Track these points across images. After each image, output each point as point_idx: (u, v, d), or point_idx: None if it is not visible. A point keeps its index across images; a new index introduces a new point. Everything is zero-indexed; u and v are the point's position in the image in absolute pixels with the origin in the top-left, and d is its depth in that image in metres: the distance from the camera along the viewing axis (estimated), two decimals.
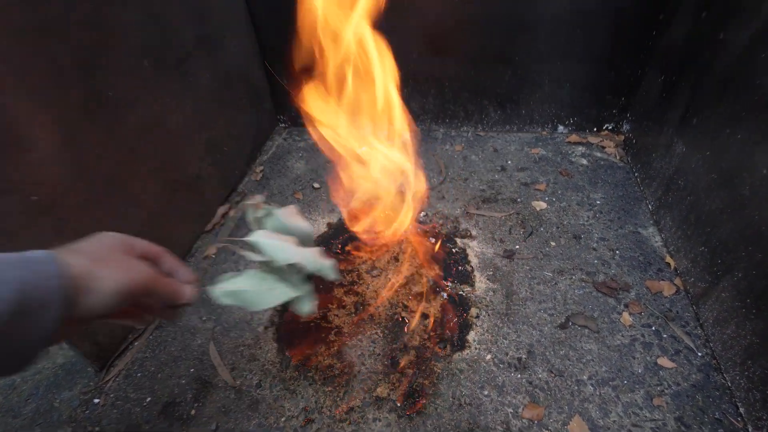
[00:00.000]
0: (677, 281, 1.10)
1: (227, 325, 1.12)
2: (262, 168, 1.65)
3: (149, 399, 0.98)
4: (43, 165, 0.85)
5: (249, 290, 0.81)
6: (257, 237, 0.83)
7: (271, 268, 0.83)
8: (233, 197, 1.53)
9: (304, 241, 0.89)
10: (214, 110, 1.40)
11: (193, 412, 0.95)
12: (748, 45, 0.90)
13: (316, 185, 1.54)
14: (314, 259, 0.84)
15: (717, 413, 0.85)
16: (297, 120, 1.84)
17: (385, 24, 1.48)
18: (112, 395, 0.99)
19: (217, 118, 1.42)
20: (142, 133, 1.09)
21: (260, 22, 1.58)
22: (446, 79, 1.61)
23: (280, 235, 0.86)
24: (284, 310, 1.13)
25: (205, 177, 1.38)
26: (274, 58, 1.66)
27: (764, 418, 0.78)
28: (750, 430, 0.81)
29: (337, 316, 1.10)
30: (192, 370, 1.03)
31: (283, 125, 1.87)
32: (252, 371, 1.01)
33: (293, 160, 1.69)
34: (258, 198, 0.92)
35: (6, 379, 1.04)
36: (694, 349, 0.96)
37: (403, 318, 1.08)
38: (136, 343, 1.09)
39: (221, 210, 1.46)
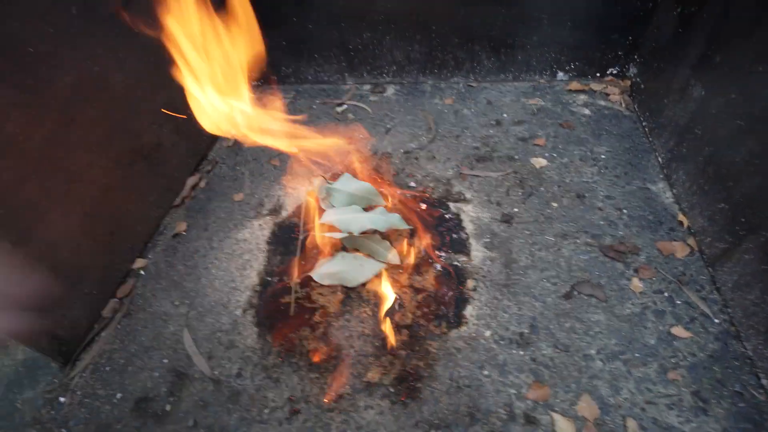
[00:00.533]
0: (691, 241, 1.01)
1: (202, 310, 1.02)
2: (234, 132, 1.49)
3: (120, 395, 0.90)
4: None
5: (344, 269, 0.98)
6: (329, 217, 1.02)
7: (353, 240, 1.00)
8: (203, 166, 1.38)
9: (370, 197, 1.07)
10: (170, 67, 1.22)
11: (168, 407, 0.87)
12: None
13: (294, 150, 1.39)
14: (382, 219, 0.99)
15: (737, 385, 0.79)
16: (269, 76, 1.66)
17: None
18: (79, 393, 0.91)
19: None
20: (79, 96, 0.93)
21: None
22: (433, 22, 1.43)
23: (347, 208, 1.03)
24: (263, 290, 1.03)
25: (167, 145, 1.23)
26: None
27: None
28: None
29: (321, 294, 1.00)
30: (165, 360, 0.94)
31: (255, 83, 1.69)
32: (231, 360, 0.93)
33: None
34: (316, 183, 1.11)
35: None
36: (711, 315, 0.88)
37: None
38: (102, 334, 1.00)
39: (191, 181, 1.32)
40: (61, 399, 0.90)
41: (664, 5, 1.22)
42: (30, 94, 0.83)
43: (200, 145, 1.40)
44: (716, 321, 0.87)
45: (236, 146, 1.44)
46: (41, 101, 0.85)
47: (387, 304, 0.92)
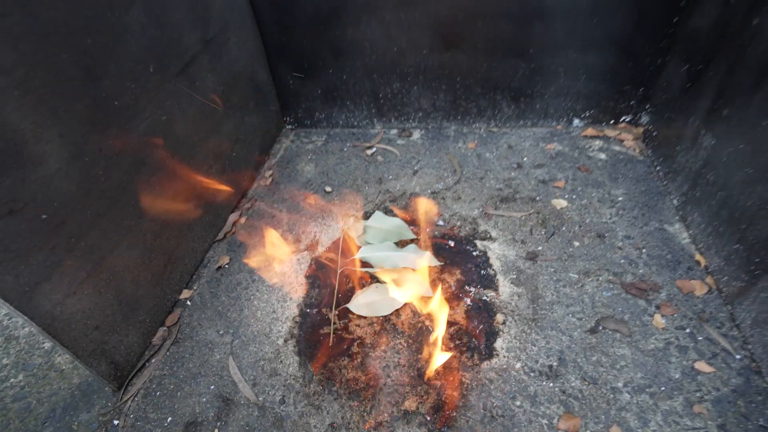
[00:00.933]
0: (709, 280, 1.06)
1: (245, 339, 1.08)
2: (271, 172, 1.61)
3: (170, 419, 0.95)
4: (52, 181, 0.81)
5: (378, 300, 1.06)
6: (364, 253, 1.12)
7: (386, 274, 1.09)
8: (243, 204, 1.49)
9: (402, 232, 1.20)
10: (221, 114, 1.35)
11: (216, 431, 0.92)
12: None
13: (328, 189, 1.50)
14: (415, 257, 1.08)
15: (761, 420, 0.82)
16: (304, 121, 1.79)
17: (394, 20, 1.44)
18: (131, 416, 0.96)
19: (224, 122, 1.37)
20: (149, 141, 1.05)
21: (264, 21, 1.52)
22: (458, 74, 1.56)
23: (381, 245, 1.15)
24: (303, 321, 1.10)
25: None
26: (279, 57, 1.61)
27: None
28: None
29: (358, 326, 1.07)
30: (212, 387, 1.00)
31: (289, 127, 1.82)
32: (274, 386, 0.98)
33: (303, 162, 1.64)
34: (351, 221, 1.13)
35: (21, 401, 1.01)
36: (732, 351, 0.93)
37: (426, 326, 1.05)
38: (153, 360, 1.06)
39: (232, 217, 1.42)
40: (115, 422, 0.96)
41: (673, 62, 1.33)
42: (113, 140, 0.94)
43: (242, 183, 1.51)
44: (737, 357, 0.92)
45: (274, 185, 1.55)
46: (120, 146, 0.96)
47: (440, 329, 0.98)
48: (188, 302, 1.19)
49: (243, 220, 1.43)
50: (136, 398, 1.00)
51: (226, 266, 1.27)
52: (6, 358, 1.11)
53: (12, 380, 1.06)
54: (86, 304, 0.91)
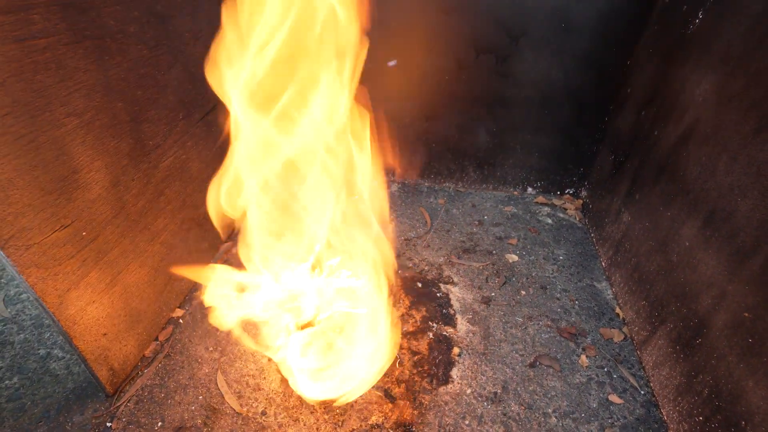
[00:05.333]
0: (625, 329, 1.30)
1: (232, 356, 1.21)
2: None
3: (160, 424, 1.05)
4: (94, 203, 0.96)
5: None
6: None
7: None
8: (235, 235, 1.64)
9: None
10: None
11: None
12: (675, 144, 1.17)
13: None
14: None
15: None
16: None
17: (383, 93, 1.71)
18: (124, 419, 1.06)
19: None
20: (170, 176, 1.22)
21: None
22: (433, 141, 1.84)
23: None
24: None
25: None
26: None
27: None
28: None
29: None
30: (200, 397, 1.11)
31: None
32: (257, 399, 1.11)
33: None
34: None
35: (16, 402, 1.08)
36: (638, 388, 1.15)
37: (398, 357, 1.22)
38: (145, 371, 1.17)
39: (224, 246, 1.57)
40: (108, 424, 1.05)
41: (604, 152, 1.66)
42: (143, 172, 1.11)
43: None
44: (642, 392, 1.14)
45: None
46: (149, 178, 1.13)
47: None
48: (180, 320, 1.31)
49: (235, 249, 1.58)
50: (128, 404, 1.09)
51: None
52: (1, 361, 1.18)
53: (7, 382, 1.13)
54: (101, 313, 1.03)
